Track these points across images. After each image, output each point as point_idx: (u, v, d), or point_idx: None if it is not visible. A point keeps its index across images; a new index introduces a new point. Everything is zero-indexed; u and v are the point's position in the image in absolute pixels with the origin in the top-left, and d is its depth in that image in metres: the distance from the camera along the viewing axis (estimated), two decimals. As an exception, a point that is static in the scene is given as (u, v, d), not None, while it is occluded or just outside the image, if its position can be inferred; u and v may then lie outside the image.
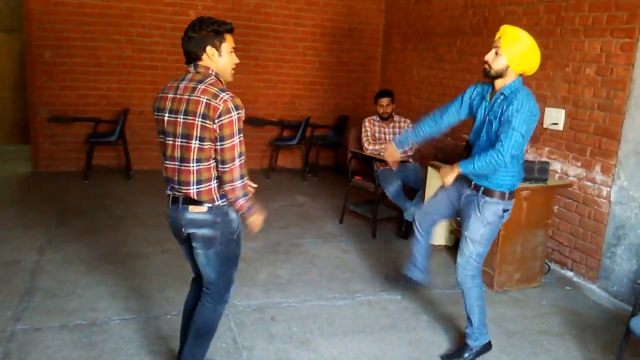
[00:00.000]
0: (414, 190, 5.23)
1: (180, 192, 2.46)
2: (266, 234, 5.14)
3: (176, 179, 2.46)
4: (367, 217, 5.52)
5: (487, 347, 3.31)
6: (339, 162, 7.91)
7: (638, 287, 3.61)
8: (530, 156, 4.80)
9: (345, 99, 8.10)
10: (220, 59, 2.45)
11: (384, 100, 5.51)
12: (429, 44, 6.67)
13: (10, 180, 6.66)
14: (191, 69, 2.46)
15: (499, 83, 3.02)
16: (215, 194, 2.45)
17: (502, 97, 2.98)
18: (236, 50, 2.54)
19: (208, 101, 2.31)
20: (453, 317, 3.69)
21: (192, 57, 2.44)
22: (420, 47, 6.90)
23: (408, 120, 5.63)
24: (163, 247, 4.58)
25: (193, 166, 2.40)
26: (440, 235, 4.96)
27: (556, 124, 4.59)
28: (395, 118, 5.60)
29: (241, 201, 2.42)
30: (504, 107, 2.93)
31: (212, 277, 2.60)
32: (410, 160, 5.47)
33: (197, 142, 2.36)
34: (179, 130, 2.39)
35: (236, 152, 2.35)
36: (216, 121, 2.30)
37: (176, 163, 2.44)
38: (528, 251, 4.25)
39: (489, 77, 3.03)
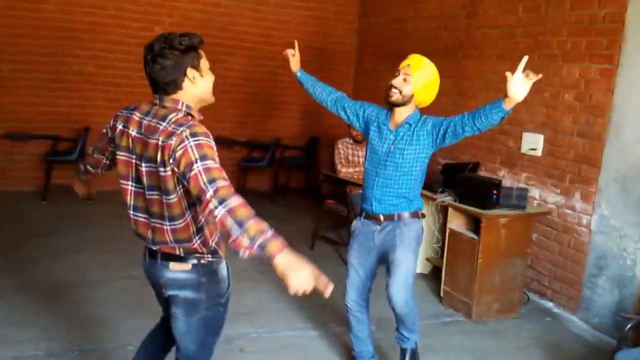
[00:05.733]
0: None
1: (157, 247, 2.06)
2: (231, 260, 4.89)
3: (149, 237, 2.04)
4: (339, 242, 5.35)
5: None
6: (310, 185, 7.71)
7: (622, 319, 3.50)
8: (507, 182, 4.69)
9: (317, 120, 7.88)
10: (202, 80, 1.97)
11: (358, 122, 5.35)
12: (403, 66, 6.57)
13: (-41, 200, 6.28)
14: (156, 100, 1.97)
15: (400, 112, 2.94)
16: (202, 249, 2.03)
17: (408, 126, 2.91)
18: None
19: (163, 143, 1.84)
20: (430, 349, 3.51)
21: (169, 87, 1.94)
22: (393, 68, 6.75)
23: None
24: (125, 272, 4.30)
25: (166, 224, 1.97)
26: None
27: (534, 149, 4.50)
28: (369, 140, 5.45)
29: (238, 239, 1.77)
30: (415, 132, 2.88)
31: (190, 349, 2.12)
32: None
33: (164, 195, 1.92)
34: (145, 179, 1.95)
35: (201, 179, 1.75)
36: (170, 161, 1.83)
37: (146, 217, 2.03)
38: (507, 280, 4.11)
39: (393, 105, 2.92)
